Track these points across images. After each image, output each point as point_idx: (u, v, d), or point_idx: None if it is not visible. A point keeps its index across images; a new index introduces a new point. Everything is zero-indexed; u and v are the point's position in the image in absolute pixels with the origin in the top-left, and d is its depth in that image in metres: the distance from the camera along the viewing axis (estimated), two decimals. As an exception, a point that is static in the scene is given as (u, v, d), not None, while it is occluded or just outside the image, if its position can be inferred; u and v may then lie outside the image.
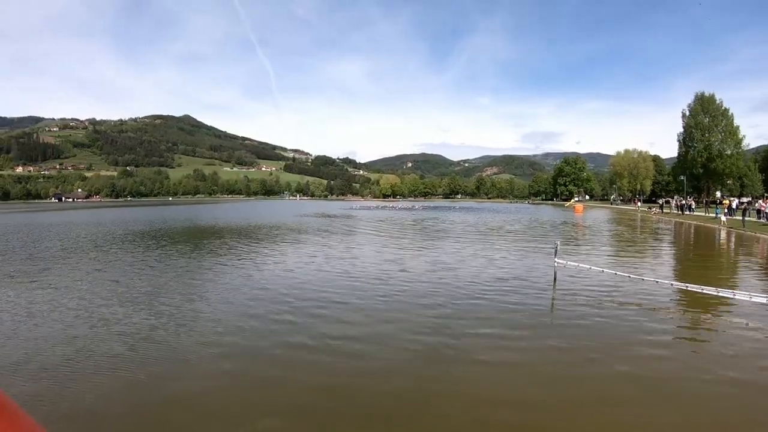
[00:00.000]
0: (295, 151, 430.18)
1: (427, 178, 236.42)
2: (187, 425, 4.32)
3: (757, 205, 33.18)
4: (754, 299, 7.53)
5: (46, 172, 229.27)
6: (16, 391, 4.94)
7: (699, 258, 16.27)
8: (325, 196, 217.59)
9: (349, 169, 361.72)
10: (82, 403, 4.67)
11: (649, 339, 6.52)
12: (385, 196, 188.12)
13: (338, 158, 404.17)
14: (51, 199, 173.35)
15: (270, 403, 4.68)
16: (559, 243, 11.15)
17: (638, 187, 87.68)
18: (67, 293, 9.84)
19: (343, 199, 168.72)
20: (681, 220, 35.27)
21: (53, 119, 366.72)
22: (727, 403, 4.64)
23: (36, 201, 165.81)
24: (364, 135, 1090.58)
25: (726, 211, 32.19)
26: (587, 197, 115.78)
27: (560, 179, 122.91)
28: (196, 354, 6.02)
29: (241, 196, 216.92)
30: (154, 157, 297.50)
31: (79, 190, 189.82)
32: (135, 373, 5.41)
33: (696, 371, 5.40)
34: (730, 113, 61.70)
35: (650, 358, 5.78)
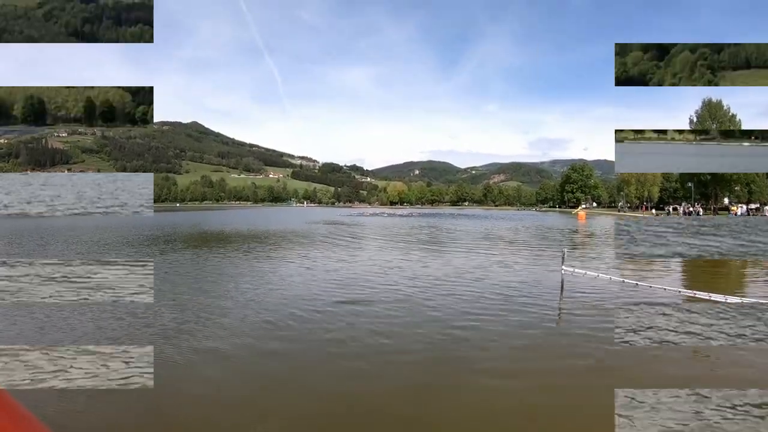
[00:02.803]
0: (303, 158, 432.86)
1: (435, 186, 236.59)
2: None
3: (765, 210, 32.96)
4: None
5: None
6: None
7: (707, 264, 16.21)
8: (332, 203, 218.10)
9: (357, 177, 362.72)
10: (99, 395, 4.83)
11: (659, 352, 6.46)
12: (392, 203, 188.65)
13: (345, 165, 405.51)
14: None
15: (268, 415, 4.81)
16: (566, 250, 11.03)
17: (646, 194, 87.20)
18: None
19: (350, 206, 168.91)
20: (689, 228, 35.05)
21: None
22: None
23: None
24: (372, 142, 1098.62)
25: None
26: (594, 204, 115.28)
27: (568, 186, 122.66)
28: (203, 356, 6.17)
29: (249, 202, 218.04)
30: (162, 164, 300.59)
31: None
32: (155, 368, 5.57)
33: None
34: (737, 119, 61.43)
35: (660, 374, 5.73)
